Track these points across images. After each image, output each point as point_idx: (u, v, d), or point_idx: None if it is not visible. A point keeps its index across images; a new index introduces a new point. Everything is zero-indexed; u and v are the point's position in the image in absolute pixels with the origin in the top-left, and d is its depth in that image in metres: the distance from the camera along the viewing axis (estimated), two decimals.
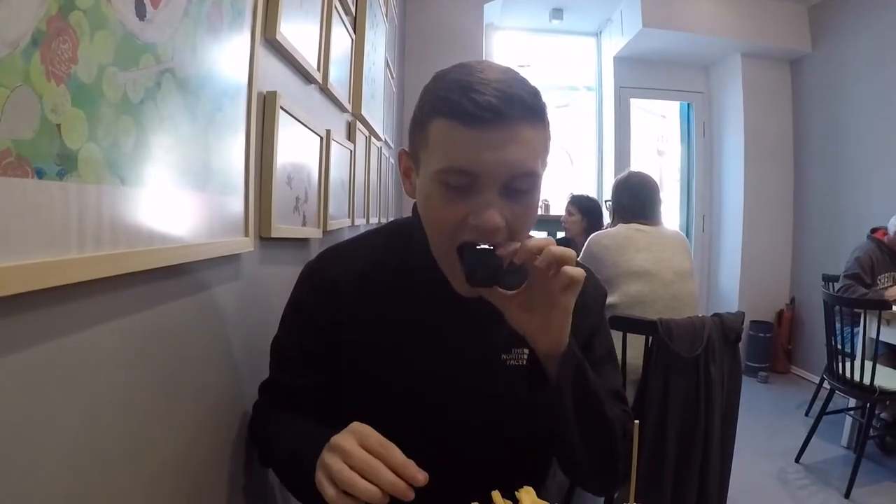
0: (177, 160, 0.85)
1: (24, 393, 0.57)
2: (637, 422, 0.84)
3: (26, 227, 0.54)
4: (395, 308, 1.05)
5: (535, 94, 0.91)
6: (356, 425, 0.84)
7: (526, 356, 1.04)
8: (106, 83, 0.65)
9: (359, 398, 1.08)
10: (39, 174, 0.55)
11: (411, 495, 0.76)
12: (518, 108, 0.87)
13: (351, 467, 0.78)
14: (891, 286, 3.90)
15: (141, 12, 0.72)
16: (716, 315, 2.22)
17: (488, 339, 1.06)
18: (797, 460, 3.76)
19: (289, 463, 0.98)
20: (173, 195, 0.84)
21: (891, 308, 3.44)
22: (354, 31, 2.37)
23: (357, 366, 1.06)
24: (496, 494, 0.83)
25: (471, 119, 0.85)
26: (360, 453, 0.79)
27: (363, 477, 0.77)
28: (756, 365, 5.67)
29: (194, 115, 0.89)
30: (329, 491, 0.78)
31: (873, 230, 4.15)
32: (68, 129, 0.59)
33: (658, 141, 6.80)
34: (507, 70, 0.92)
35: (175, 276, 0.89)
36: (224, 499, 1.10)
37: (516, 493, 0.85)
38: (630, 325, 2.22)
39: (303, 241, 1.67)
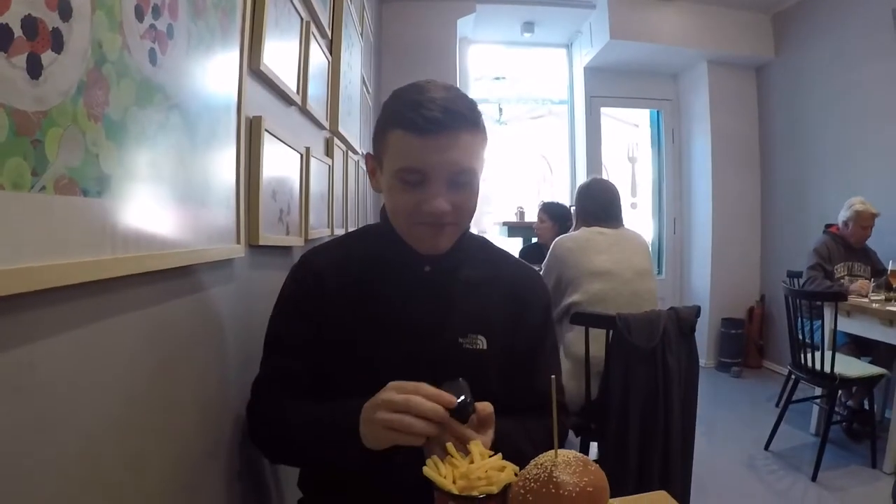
0: (181, 179, 1.02)
1: (69, 367, 0.73)
2: (553, 376, 1.00)
3: (76, 234, 0.71)
4: (369, 292, 1.24)
5: (473, 107, 1.16)
6: (389, 384, 1.02)
7: (479, 342, 1.22)
8: (130, 120, 0.82)
9: (338, 378, 1.24)
10: (85, 193, 0.71)
11: (447, 417, 0.97)
12: (458, 120, 1.11)
13: (397, 412, 0.97)
14: (856, 279, 4.10)
15: (153, 59, 0.89)
16: (671, 309, 2.40)
17: (447, 324, 1.24)
18: (766, 448, 3.91)
19: (318, 440, 1.12)
20: (179, 208, 1.01)
21: (846, 300, 3.63)
22: (331, 53, 2.53)
23: (337, 348, 1.22)
24: (450, 446, 0.98)
25: (421, 130, 1.09)
26: (402, 397, 0.98)
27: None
28: (729, 360, 5.87)
29: (194, 142, 1.07)
30: (390, 435, 0.97)
31: (828, 226, 4.38)
32: (104, 157, 0.75)
33: (630, 148, 6.96)
34: (450, 88, 1.16)
35: (181, 277, 1.06)
36: (220, 476, 1.25)
37: (467, 445, 1.00)
38: (591, 320, 2.41)
39: (286, 249, 1.83)
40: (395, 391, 1.00)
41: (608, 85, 6.37)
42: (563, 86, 6.84)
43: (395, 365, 1.14)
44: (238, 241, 1.31)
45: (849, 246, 4.21)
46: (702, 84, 6.06)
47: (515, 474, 0.93)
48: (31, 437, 0.66)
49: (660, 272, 6.52)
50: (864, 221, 4.11)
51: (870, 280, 4.03)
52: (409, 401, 0.97)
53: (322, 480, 1.32)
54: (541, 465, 0.88)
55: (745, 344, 5.96)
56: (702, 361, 5.50)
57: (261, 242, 1.46)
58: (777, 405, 4.41)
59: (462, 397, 1.01)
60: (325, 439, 1.10)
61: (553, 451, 0.91)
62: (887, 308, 3.52)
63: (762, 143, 6.07)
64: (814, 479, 3.43)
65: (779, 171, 5.83)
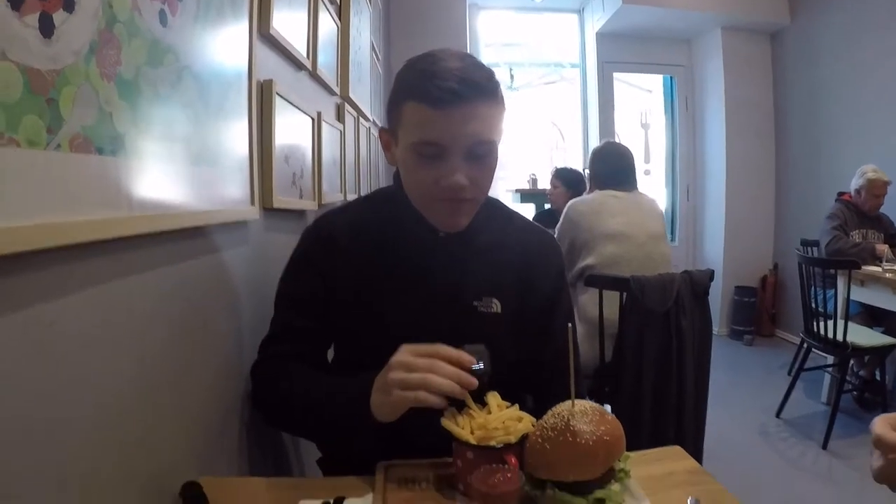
0: (195, 140, 1.02)
1: (86, 325, 0.75)
2: (570, 325, 1.01)
3: (91, 192, 0.71)
4: (383, 255, 1.23)
5: (490, 76, 1.11)
6: (402, 347, 1.02)
7: (494, 305, 1.23)
8: (142, 80, 0.82)
9: (351, 341, 1.25)
10: (99, 152, 0.72)
11: (473, 380, 0.97)
12: (474, 90, 1.06)
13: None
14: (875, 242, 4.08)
15: (163, 20, 0.89)
16: (685, 272, 2.39)
17: (462, 287, 1.24)
18: (778, 415, 3.93)
19: (322, 405, 1.12)
20: (193, 170, 1.02)
21: (860, 268, 3.60)
22: (339, 19, 2.52)
23: (351, 310, 1.23)
24: (468, 398, 1.00)
25: (436, 102, 1.05)
26: (420, 360, 0.98)
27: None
28: (742, 329, 5.86)
29: (207, 104, 1.07)
30: (408, 398, 0.96)
31: (840, 194, 4.34)
32: (118, 116, 0.76)
33: (643, 115, 6.90)
34: (466, 57, 1.12)
35: (196, 238, 1.08)
36: (236, 436, 1.27)
37: (484, 397, 1.02)
38: (605, 282, 2.41)
39: (300, 213, 1.84)
40: (411, 353, 1.00)
41: (620, 50, 6.29)
42: (574, 51, 6.75)
43: (409, 328, 1.13)
44: (252, 204, 1.32)
45: (862, 213, 4.18)
46: (716, 50, 5.97)
47: (532, 425, 0.95)
48: (50, 394, 0.67)
49: (673, 240, 6.47)
50: (876, 190, 4.07)
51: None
52: (431, 365, 0.97)
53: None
54: (558, 414, 0.90)
55: (757, 312, 5.95)
56: (714, 329, 5.52)
57: (275, 205, 1.47)
58: (789, 373, 4.41)
59: (480, 364, 1.01)
60: (331, 406, 1.11)
61: (570, 402, 0.92)
62: None
63: (776, 110, 5.99)
64: (824, 446, 3.45)
65: (793, 139, 5.77)
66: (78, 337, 0.72)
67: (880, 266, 3.70)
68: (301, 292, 1.26)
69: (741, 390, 4.50)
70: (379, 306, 1.21)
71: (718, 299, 5.95)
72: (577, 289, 2.65)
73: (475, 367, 1.00)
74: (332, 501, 0.95)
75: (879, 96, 4.68)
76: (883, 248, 3.89)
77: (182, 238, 1.00)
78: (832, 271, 3.71)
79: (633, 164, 2.91)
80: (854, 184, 4.17)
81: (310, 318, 1.24)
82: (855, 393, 4.02)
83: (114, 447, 0.80)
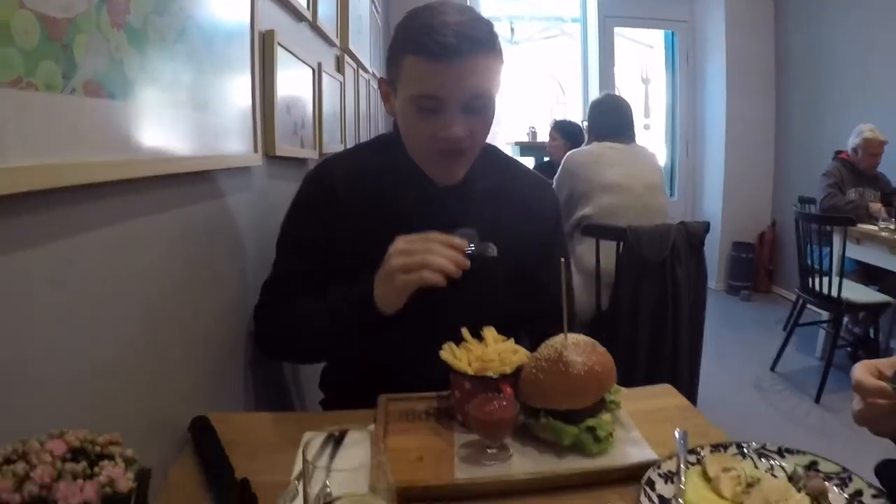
0: (201, 88, 1.06)
1: (103, 257, 0.79)
2: (563, 259, 1.07)
3: (104, 135, 0.75)
4: (381, 205, 1.26)
5: (489, 29, 1.13)
6: (396, 242, 1.08)
7: (490, 250, 1.26)
8: (150, 28, 0.85)
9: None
10: (111, 96, 0.75)
11: (467, 261, 1.06)
12: (473, 44, 1.08)
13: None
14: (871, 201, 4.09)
15: None
16: (681, 223, 2.43)
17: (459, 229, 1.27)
18: (772, 369, 4.00)
19: (327, 314, 1.17)
20: (199, 116, 1.06)
21: (855, 225, 3.63)
22: None
23: (350, 253, 1.25)
24: (465, 332, 1.04)
25: (434, 56, 1.06)
26: (416, 244, 1.06)
27: None
28: (738, 284, 5.91)
29: (212, 52, 1.10)
30: (411, 280, 1.04)
31: (837, 152, 4.33)
32: (128, 63, 0.79)
33: (644, 70, 6.85)
34: (465, 10, 1.13)
35: (202, 182, 1.12)
36: (240, 375, 1.33)
37: (480, 331, 1.07)
38: (602, 232, 2.46)
39: (301, 161, 1.88)
40: (406, 242, 1.07)
41: (622, 4, 6.22)
42: (575, 5, 6.66)
43: None
44: (255, 151, 1.36)
45: (859, 172, 4.18)
46: (718, 4, 5.89)
47: (527, 357, 1.00)
48: (70, 324, 0.72)
49: (672, 195, 6.46)
50: (872, 149, 4.08)
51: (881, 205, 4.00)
52: (427, 245, 1.05)
53: (343, 383, 1.39)
54: (551, 346, 0.95)
55: (755, 268, 5.99)
56: (711, 284, 5.58)
57: (277, 153, 1.50)
58: (785, 329, 4.41)
59: (472, 246, 1.08)
60: (336, 312, 1.16)
61: (563, 335, 0.97)
62: None
63: (778, 66, 5.93)
64: (817, 400, 3.51)
65: (794, 96, 5.73)
66: (94, 274, 0.77)
67: (876, 225, 3.72)
68: (302, 236, 1.29)
69: (737, 344, 4.56)
70: (375, 254, 1.22)
71: (716, 255, 5.98)
72: (574, 239, 2.67)
73: (468, 250, 1.07)
74: (335, 433, 0.99)
75: (883, 54, 4.62)
76: (877, 207, 3.90)
77: (188, 182, 1.04)
78: (828, 228, 3.73)
79: (632, 117, 2.92)
80: (851, 142, 4.17)
81: (310, 262, 1.27)
82: (849, 349, 4.06)
83: (127, 380, 0.85)
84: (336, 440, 0.75)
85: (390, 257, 1.06)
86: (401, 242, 1.07)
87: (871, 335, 3.90)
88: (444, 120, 1.11)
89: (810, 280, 3.76)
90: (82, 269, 0.74)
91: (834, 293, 3.54)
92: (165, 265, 0.97)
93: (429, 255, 1.03)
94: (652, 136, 6.70)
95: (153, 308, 0.92)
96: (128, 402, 0.85)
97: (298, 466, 0.94)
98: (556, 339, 0.97)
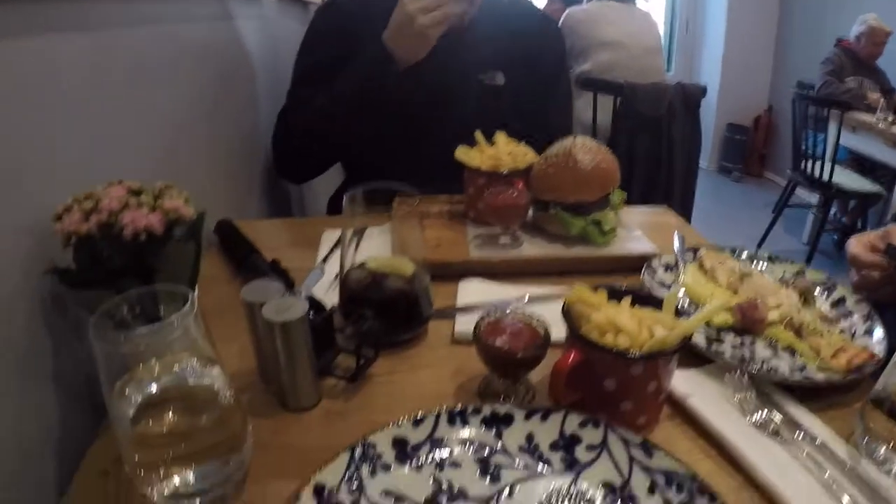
0: None
1: (132, 54, 0.84)
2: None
3: None
4: None
5: None
6: None
7: (498, 77, 1.30)
8: None
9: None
10: None
11: None
12: None
13: None
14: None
15: None
16: (678, 83, 2.44)
17: (468, 61, 1.30)
18: (758, 246, 4.02)
19: (347, 82, 1.21)
20: None
21: (851, 109, 3.64)
22: None
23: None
24: (478, 134, 1.09)
25: None
26: None
27: None
28: (731, 165, 5.97)
29: None
30: (437, 14, 1.10)
31: (839, 40, 4.28)
32: None
33: None
34: None
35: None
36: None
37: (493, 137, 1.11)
38: (599, 85, 2.48)
39: (309, 4, 1.89)
40: None
41: None
42: None
43: (417, 98, 1.21)
44: None
45: (859, 60, 4.15)
46: None
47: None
48: (115, 112, 0.77)
49: (669, 69, 6.34)
50: (876, 38, 4.04)
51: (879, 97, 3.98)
52: None
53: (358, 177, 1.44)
54: (561, 145, 1.01)
55: (748, 151, 6.01)
56: (704, 164, 5.59)
57: None
58: (773, 212, 4.50)
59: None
60: (355, 76, 1.21)
61: (572, 137, 1.02)
62: (894, 129, 3.51)
63: None
64: None
65: None
66: (129, 66, 0.81)
67: (874, 115, 3.72)
68: (314, 66, 1.30)
69: (725, 221, 4.66)
70: (388, 73, 1.25)
71: (710, 134, 5.87)
72: (573, 95, 2.67)
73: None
74: (353, 230, 1.05)
75: None
76: (876, 97, 3.89)
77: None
78: (825, 112, 3.73)
79: None
80: (854, 30, 4.12)
81: (323, 89, 1.28)
82: (836, 237, 4.14)
83: (163, 172, 0.89)
84: (357, 234, 0.81)
85: (404, 4, 1.10)
86: None
87: (860, 227, 3.95)
88: None
89: (803, 163, 3.80)
90: (120, 59, 0.79)
91: (826, 177, 3.59)
92: (186, 73, 1.02)
93: None
94: (651, 10, 6.52)
95: (178, 111, 0.98)
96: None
97: (321, 254, 1.00)
98: (566, 140, 1.02)
